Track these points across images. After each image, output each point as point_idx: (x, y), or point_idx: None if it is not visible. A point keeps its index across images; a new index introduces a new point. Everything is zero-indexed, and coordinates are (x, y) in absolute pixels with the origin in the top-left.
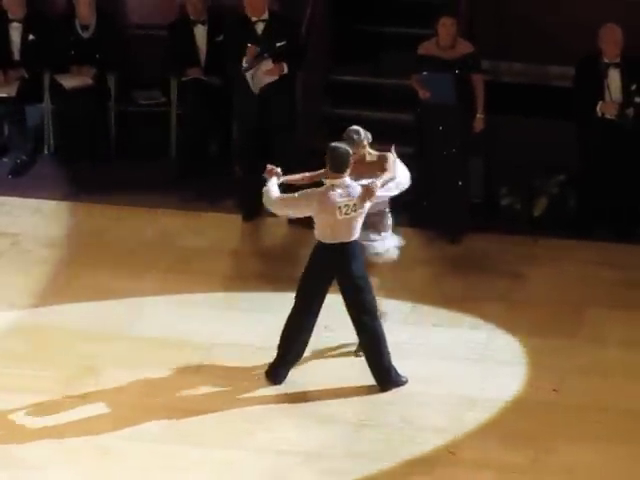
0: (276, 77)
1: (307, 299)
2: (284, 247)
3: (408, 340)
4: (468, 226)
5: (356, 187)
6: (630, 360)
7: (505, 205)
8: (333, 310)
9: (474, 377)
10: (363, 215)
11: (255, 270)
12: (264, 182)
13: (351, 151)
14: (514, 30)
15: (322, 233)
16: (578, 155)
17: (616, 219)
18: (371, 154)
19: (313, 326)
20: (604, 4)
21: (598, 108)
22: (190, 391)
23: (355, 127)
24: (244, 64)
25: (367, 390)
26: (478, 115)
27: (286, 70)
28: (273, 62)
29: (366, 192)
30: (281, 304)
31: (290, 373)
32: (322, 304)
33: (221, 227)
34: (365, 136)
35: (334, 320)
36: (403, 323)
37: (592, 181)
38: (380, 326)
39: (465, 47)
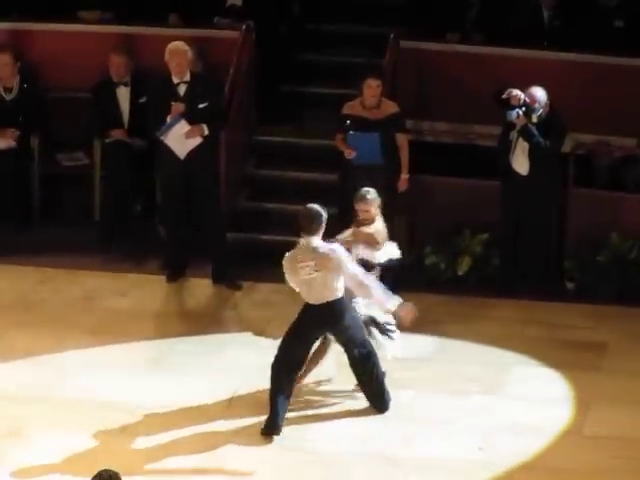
0: (199, 139)
1: (292, 355)
2: (208, 307)
3: (329, 400)
4: (392, 285)
5: (323, 250)
6: (556, 418)
7: (429, 264)
8: None
9: (397, 436)
10: (336, 275)
11: (179, 330)
12: (187, 243)
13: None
14: (437, 90)
15: (301, 294)
16: (500, 213)
17: (539, 276)
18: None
19: (295, 378)
20: (527, 63)
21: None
22: (116, 452)
23: (368, 188)
24: (164, 124)
25: (291, 450)
26: (402, 175)
27: (206, 132)
28: (190, 124)
29: (325, 258)
30: (205, 365)
31: (218, 431)
32: (306, 358)
33: (145, 288)
34: (376, 197)
35: None
36: (327, 384)
37: (513, 238)
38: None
39: (390, 107)
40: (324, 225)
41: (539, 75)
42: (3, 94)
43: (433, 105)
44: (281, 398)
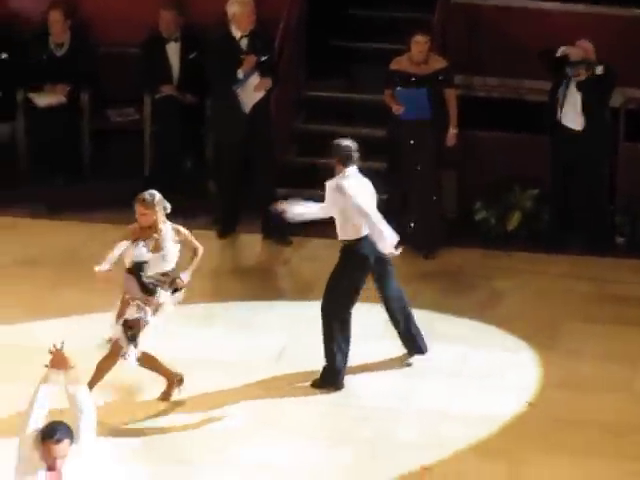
0: (263, 93)
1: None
2: (259, 263)
3: (383, 356)
4: (442, 241)
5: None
6: (604, 373)
7: (479, 220)
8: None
9: (449, 392)
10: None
11: (231, 286)
12: (238, 199)
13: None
14: (488, 44)
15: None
16: (550, 168)
17: (589, 231)
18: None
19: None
20: (576, 18)
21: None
22: (169, 408)
23: (152, 191)
24: (240, 76)
25: (342, 406)
26: (451, 130)
27: (271, 84)
28: (259, 77)
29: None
30: (258, 319)
31: (268, 387)
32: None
33: None
34: (161, 202)
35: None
36: (378, 338)
37: (564, 193)
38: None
39: (438, 62)
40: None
41: (589, 29)
42: (54, 50)
43: (483, 60)
44: (336, 347)
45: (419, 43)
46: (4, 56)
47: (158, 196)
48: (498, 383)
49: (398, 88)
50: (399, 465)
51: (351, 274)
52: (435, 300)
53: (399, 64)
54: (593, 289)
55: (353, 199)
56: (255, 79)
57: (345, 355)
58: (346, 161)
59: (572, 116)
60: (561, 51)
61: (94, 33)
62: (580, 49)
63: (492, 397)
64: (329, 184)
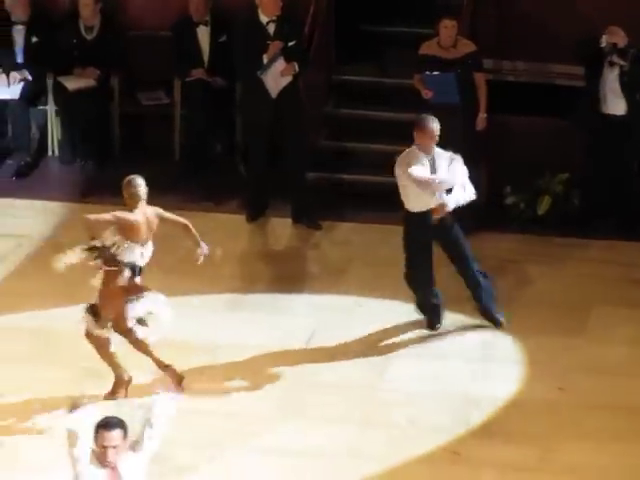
0: (290, 77)
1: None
2: (289, 247)
3: (413, 340)
4: (472, 225)
5: None
6: (636, 358)
7: (509, 204)
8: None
9: (479, 376)
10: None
11: (260, 271)
12: (268, 183)
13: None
14: (517, 29)
15: None
16: (582, 153)
17: (620, 216)
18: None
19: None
20: (605, 1)
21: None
22: (195, 392)
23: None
24: (265, 61)
25: (372, 390)
26: (480, 114)
27: (298, 69)
28: (285, 62)
29: None
30: (287, 304)
31: (296, 372)
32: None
33: (225, 227)
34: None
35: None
36: (408, 323)
37: (596, 178)
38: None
39: (467, 46)
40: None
41: (618, 13)
42: (84, 33)
43: (513, 44)
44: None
45: (447, 27)
46: (34, 40)
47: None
48: (528, 368)
49: (426, 72)
50: (429, 450)
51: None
52: (464, 286)
53: (428, 48)
54: (623, 273)
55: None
56: (281, 64)
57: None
58: None
59: (614, 102)
60: (605, 40)
61: (124, 17)
62: (620, 35)
63: (522, 382)
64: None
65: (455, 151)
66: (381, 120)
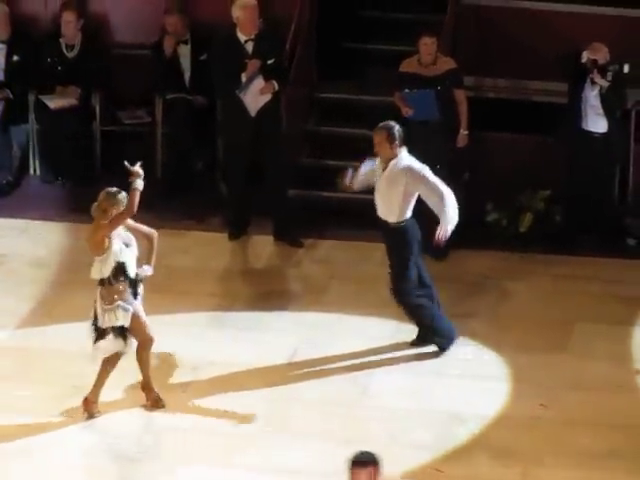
0: (269, 96)
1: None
2: (270, 265)
3: (396, 357)
4: (453, 242)
5: None
6: (617, 375)
7: (491, 221)
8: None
9: (461, 393)
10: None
11: (242, 288)
12: (249, 201)
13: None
14: (498, 46)
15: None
16: (563, 169)
17: (602, 232)
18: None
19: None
20: (586, 19)
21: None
22: (178, 409)
23: (114, 189)
24: (243, 79)
25: (354, 406)
26: (462, 131)
27: (277, 87)
28: (264, 80)
29: None
30: (269, 321)
31: (278, 389)
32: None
33: (207, 245)
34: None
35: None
36: (389, 339)
37: (577, 195)
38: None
39: (447, 63)
40: None
41: (598, 30)
42: (65, 51)
43: (494, 61)
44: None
45: (427, 45)
46: (16, 58)
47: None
48: (510, 385)
49: (406, 90)
50: (412, 467)
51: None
52: (447, 302)
53: (408, 66)
54: (605, 290)
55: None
56: (260, 83)
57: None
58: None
59: (594, 119)
60: (586, 56)
61: (105, 35)
62: (602, 52)
63: (505, 399)
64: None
65: (436, 168)
66: (362, 138)
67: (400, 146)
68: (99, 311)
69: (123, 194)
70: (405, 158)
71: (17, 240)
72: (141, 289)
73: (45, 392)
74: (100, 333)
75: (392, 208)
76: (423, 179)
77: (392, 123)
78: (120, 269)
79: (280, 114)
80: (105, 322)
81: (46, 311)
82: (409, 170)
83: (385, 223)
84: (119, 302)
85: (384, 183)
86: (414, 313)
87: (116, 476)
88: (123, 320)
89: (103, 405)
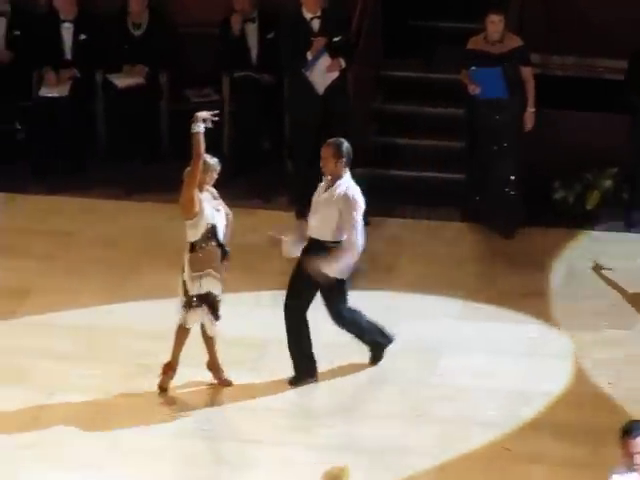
0: (337, 73)
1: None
2: None
3: (463, 335)
4: (521, 221)
5: None
6: None
7: (558, 199)
8: None
9: (529, 372)
10: None
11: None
12: (318, 178)
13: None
14: (565, 23)
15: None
16: (631, 147)
17: None
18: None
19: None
20: None
21: None
22: (245, 388)
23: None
24: (309, 58)
25: (422, 384)
26: (528, 109)
27: (344, 65)
28: (331, 58)
29: None
30: None
31: (347, 367)
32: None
33: (274, 224)
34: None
35: None
36: (457, 319)
37: None
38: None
39: (513, 41)
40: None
41: None
42: (132, 30)
43: (561, 39)
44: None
45: (494, 22)
46: (83, 37)
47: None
48: (576, 363)
49: (472, 68)
50: (480, 446)
51: None
52: (514, 280)
53: (475, 43)
54: None
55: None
56: (326, 60)
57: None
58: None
59: None
60: None
61: (172, 13)
62: None
63: (572, 377)
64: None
65: (503, 145)
66: (429, 115)
67: (346, 165)
68: (187, 278)
69: (215, 160)
70: (346, 183)
71: (85, 219)
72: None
73: (114, 371)
74: (188, 301)
75: (330, 226)
76: (350, 213)
77: (341, 140)
78: (211, 232)
79: (347, 92)
80: (193, 289)
81: (114, 290)
82: (345, 198)
83: (317, 242)
84: (209, 269)
85: (323, 203)
86: (355, 330)
87: (183, 453)
88: (211, 287)
89: (170, 384)
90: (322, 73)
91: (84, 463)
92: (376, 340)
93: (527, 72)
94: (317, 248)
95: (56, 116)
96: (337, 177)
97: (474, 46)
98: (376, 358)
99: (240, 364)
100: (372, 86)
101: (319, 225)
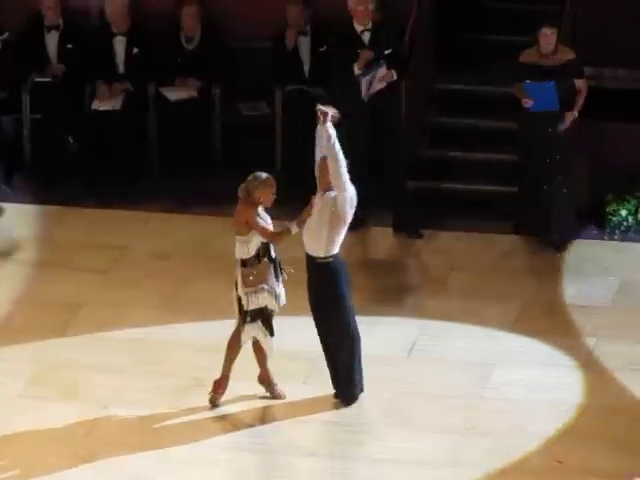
0: (384, 84)
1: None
2: (389, 256)
3: (515, 348)
4: (574, 234)
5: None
6: None
7: (610, 211)
8: None
9: (582, 384)
10: None
11: (361, 280)
12: (368, 190)
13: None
14: (618, 36)
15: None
16: None
17: None
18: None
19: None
20: None
21: None
22: (298, 400)
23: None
24: (356, 70)
25: (475, 397)
26: (572, 112)
27: (395, 77)
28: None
29: None
30: (388, 313)
31: (398, 381)
32: None
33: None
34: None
35: None
36: (510, 331)
37: None
38: None
39: (566, 54)
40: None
41: None
42: (185, 44)
43: (613, 52)
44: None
45: (547, 35)
46: (136, 51)
47: None
48: (630, 376)
49: (527, 81)
50: (532, 458)
51: None
52: (567, 292)
53: (528, 56)
54: None
55: None
56: (382, 71)
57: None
58: None
59: None
60: None
61: (224, 27)
62: None
63: (624, 390)
64: None
65: (556, 158)
66: (482, 128)
67: None
68: (241, 294)
69: (270, 178)
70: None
71: (138, 232)
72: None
73: (167, 384)
74: (242, 317)
75: (320, 240)
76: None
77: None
78: (264, 249)
79: (399, 106)
80: (248, 305)
81: (167, 303)
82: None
83: (311, 259)
84: (263, 284)
85: (315, 215)
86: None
87: (236, 466)
88: (266, 302)
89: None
90: (372, 82)
91: (137, 476)
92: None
93: (580, 84)
94: (311, 265)
95: (109, 130)
96: (329, 189)
97: (527, 59)
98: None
99: (293, 377)
100: (425, 99)
101: (309, 240)
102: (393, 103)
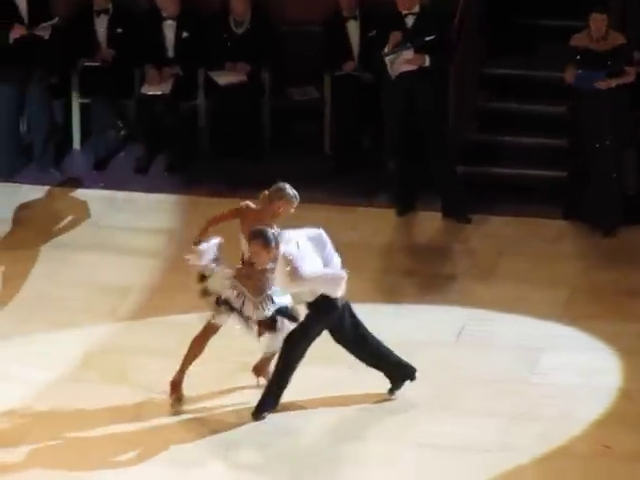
0: (414, 67)
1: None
2: (438, 241)
3: (564, 333)
4: (622, 219)
5: None
6: None
7: None
8: None
9: (631, 369)
10: None
11: (409, 264)
12: (416, 177)
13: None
14: None
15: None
16: None
17: None
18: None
19: None
20: None
21: None
22: (346, 387)
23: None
24: (385, 49)
25: (523, 382)
26: (611, 79)
27: (427, 63)
28: (415, 53)
29: None
30: (436, 298)
31: (446, 366)
32: None
33: (375, 221)
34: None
35: None
36: (559, 316)
37: None
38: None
39: (617, 38)
40: None
41: None
42: (234, 28)
43: None
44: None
45: (597, 21)
46: (185, 35)
47: None
48: None
49: (579, 71)
50: (581, 443)
51: None
52: (616, 278)
53: (579, 40)
54: None
55: None
56: (409, 53)
57: None
58: None
59: None
60: None
61: (274, 11)
62: None
63: None
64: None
65: (605, 143)
66: (531, 113)
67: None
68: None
69: (297, 196)
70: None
71: (187, 216)
72: None
73: (213, 368)
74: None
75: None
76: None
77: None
78: None
79: (435, 90)
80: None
81: None
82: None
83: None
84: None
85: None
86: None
87: (285, 450)
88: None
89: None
90: (399, 62)
91: (185, 459)
92: None
93: (630, 70)
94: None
95: (158, 114)
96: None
97: (578, 42)
98: None
99: (338, 362)
100: (474, 83)
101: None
102: (430, 89)
